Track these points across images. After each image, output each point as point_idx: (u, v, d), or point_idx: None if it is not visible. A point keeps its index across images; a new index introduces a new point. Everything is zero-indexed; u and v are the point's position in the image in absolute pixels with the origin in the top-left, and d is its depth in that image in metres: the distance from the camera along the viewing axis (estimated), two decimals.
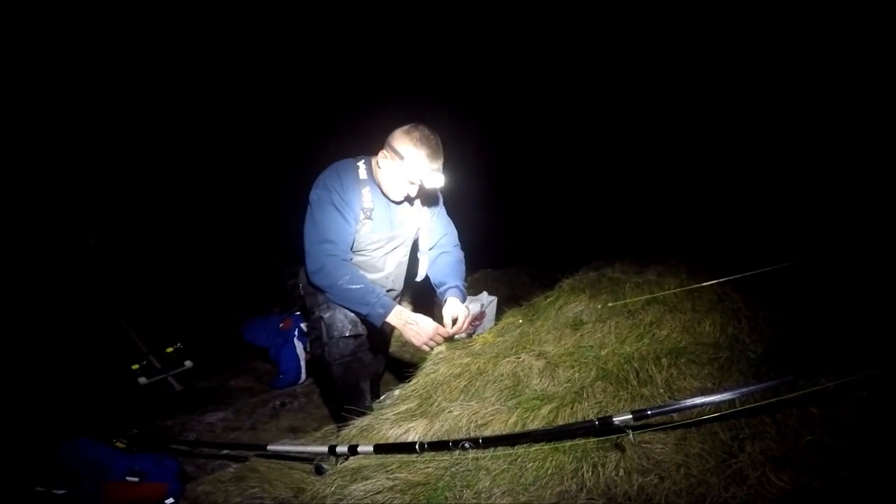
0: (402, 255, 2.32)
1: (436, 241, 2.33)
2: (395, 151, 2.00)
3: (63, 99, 5.03)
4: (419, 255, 2.31)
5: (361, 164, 2.14)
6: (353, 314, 2.07)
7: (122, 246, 4.83)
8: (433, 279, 2.30)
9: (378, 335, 2.38)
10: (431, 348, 2.03)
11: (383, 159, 2.06)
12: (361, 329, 2.11)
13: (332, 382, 2.17)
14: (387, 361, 2.79)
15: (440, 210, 2.36)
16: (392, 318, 2.01)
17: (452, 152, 2.19)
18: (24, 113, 4.71)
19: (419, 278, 2.32)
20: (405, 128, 2.03)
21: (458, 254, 2.37)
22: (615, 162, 5.71)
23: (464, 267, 2.36)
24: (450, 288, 2.22)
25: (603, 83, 5.96)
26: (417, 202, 2.24)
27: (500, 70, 6.64)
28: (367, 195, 2.09)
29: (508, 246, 5.09)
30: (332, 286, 2.00)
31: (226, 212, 6.04)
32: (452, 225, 2.40)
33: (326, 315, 2.08)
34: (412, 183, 2.04)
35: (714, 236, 2.87)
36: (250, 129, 6.49)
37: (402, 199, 2.14)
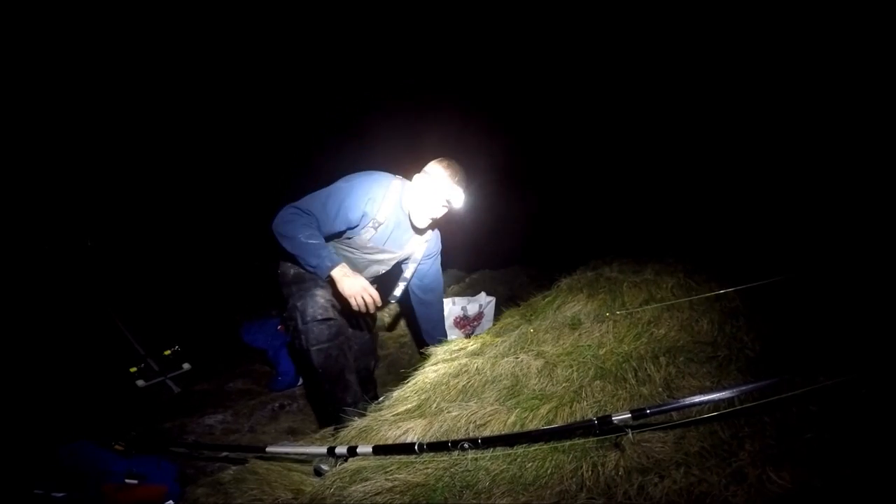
0: (383, 269, 2.45)
1: (429, 286, 2.53)
2: (426, 172, 2.21)
3: (59, 100, 5.02)
4: (399, 281, 2.44)
5: (396, 183, 2.25)
6: (323, 301, 2.10)
7: (119, 248, 4.82)
8: (422, 321, 2.60)
9: (359, 323, 2.47)
10: (360, 308, 2.07)
11: (415, 181, 2.23)
12: (334, 314, 2.12)
13: (314, 372, 2.13)
14: (378, 359, 2.83)
15: (437, 258, 2.53)
16: (336, 272, 2.06)
17: (454, 154, 2.27)
18: (20, 114, 4.69)
19: (391, 300, 2.45)
20: (438, 158, 2.24)
21: (441, 292, 2.62)
22: (612, 162, 5.71)
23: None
24: (437, 338, 2.50)
25: (599, 83, 5.96)
26: (423, 236, 2.38)
27: (497, 73, 6.64)
28: (384, 210, 2.20)
29: (506, 246, 5.08)
30: (292, 236, 2.05)
31: (223, 214, 6.04)
32: (441, 276, 2.61)
33: (299, 302, 2.10)
34: (437, 201, 2.18)
35: (710, 234, 2.88)
36: (248, 131, 6.48)
37: (426, 224, 2.27)
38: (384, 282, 2.47)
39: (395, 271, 2.48)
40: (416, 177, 2.24)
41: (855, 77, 3.22)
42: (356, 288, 2.05)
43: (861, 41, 3.20)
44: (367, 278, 2.32)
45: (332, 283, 2.09)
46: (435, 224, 2.34)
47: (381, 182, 2.22)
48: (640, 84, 5.45)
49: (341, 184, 2.17)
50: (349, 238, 2.24)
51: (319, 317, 2.08)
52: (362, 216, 2.16)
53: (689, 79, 4.79)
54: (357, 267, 2.29)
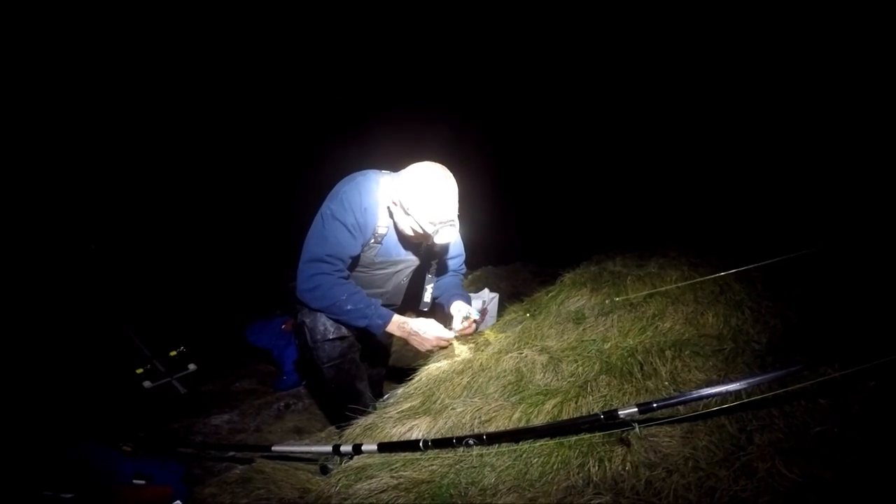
0: (404, 277, 2.30)
1: (448, 267, 2.35)
2: (402, 199, 1.91)
3: (63, 103, 5.03)
4: (426, 285, 2.25)
5: (384, 183, 2.01)
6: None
7: (123, 251, 4.84)
8: (435, 293, 2.29)
9: (378, 339, 2.34)
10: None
11: (393, 206, 1.97)
12: (346, 331, 2.06)
13: (326, 385, 2.14)
14: (388, 363, 2.79)
15: (461, 253, 2.35)
16: (393, 329, 2.02)
17: (454, 151, 2.17)
18: (23, 118, 4.71)
19: (423, 308, 2.26)
20: (416, 169, 1.93)
21: (461, 275, 2.42)
22: (614, 156, 5.69)
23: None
24: (454, 295, 2.23)
25: (600, 78, 5.93)
26: None
27: (500, 69, 6.62)
28: (383, 219, 2.01)
29: (509, 242, 5.09)
30: (330, 306, 1.97)
31: (227, 215, 6.05)
32: (463, 248, 2.38)
33: (308, 320, 2.05)
34: (419, 233, 1.95)
35: (714, 227, 2.86)
36: (252, 133, 6.49)
37: (416, 243, 2.10)
38: (409, 290, 2.37)
39: (419, 276, 2.31)
40: (393, 199, 1.95)
41: (838, 83, 3.20)
42: (430, 343, 2.01)
43: (854, 36, 3.16)
44: (393, 293, 2.27)
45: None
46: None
47: (368, 188, 1.98)
48: (643, 79, 5.42)
49: (332, 206, 1.95)
50: (359, 260, 2.09)
51: (331, 335, 2.04)
52: (364, 238, 2.00)
53: (689, 76, 4.76)
54: (375, 284, 2.19)
